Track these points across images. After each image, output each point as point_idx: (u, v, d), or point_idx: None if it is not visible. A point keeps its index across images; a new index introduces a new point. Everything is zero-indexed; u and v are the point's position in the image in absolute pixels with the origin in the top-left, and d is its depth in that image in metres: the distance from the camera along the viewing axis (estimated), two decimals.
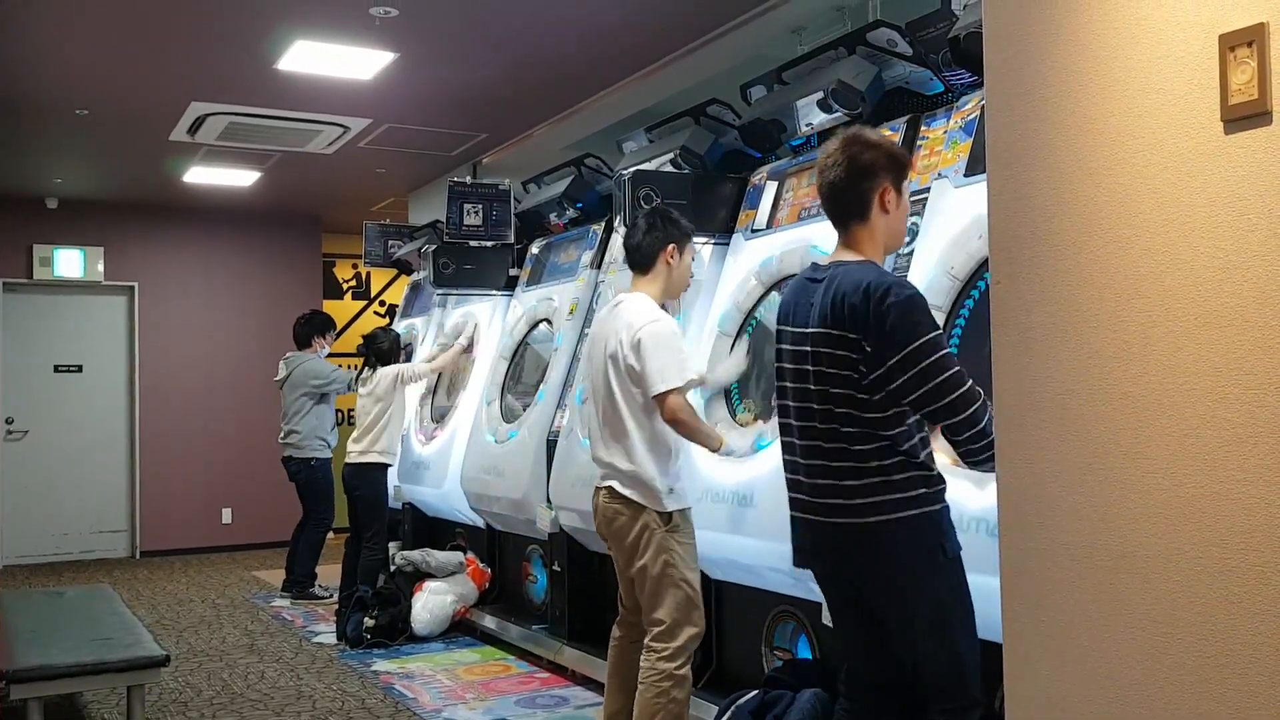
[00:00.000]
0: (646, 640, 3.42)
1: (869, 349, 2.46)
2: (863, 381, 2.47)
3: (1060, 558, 2.01)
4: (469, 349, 6.36)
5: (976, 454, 2.51)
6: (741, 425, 3.90)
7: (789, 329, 2.68)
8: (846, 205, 2.65)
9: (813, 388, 2.57)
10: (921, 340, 2.43)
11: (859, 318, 2.46)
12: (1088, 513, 1.96)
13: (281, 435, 7.00)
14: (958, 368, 2.46)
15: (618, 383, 3.46)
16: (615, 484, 3.45)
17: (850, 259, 2.63)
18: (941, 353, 2.45)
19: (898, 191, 2.66)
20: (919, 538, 2.50)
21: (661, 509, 3.40)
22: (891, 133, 3.69)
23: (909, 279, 3.23)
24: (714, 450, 3.58)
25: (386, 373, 6.03)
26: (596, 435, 3.57)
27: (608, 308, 3.66)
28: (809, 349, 2.57)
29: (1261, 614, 1.68)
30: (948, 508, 2.55)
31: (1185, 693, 1.79)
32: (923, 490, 2.49)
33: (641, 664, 3.41)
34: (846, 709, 2.75)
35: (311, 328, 7.17)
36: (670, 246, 3.58)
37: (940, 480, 2.54)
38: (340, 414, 7.85)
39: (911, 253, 3.34)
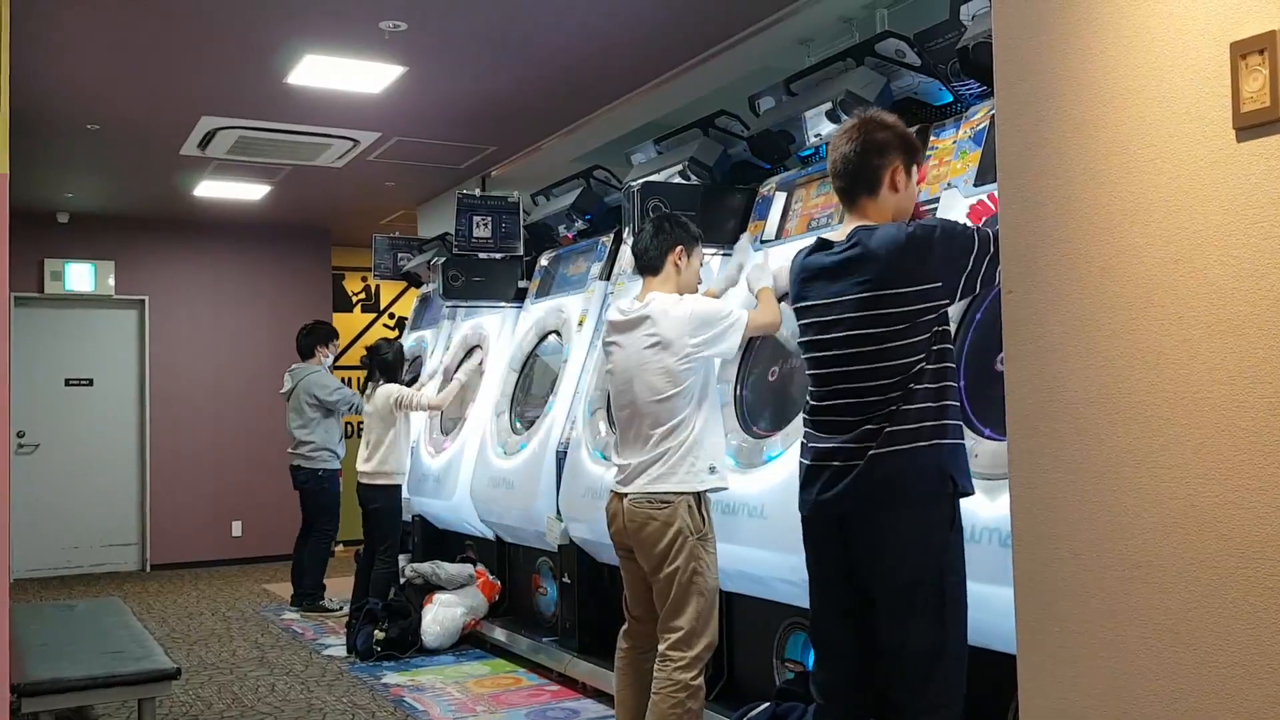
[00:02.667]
0: (662, 649, 3.41)
1: (940, 279, 2.57)
2: (918, 326, 2.56)
3: (1074, 567, 2.00)
4: (476, 369, 6.34)
5: None
6: (757, 439, 3.89)
7: (816, 300, 2.72)
8: (857, 179, 2.73)
9: (854, 350, 2.62)
10: (979, 241, 2.60)
11: (921, 257, 2.57)
12: (1102, 522, 1.95)
13: (291, 446, 7.02)
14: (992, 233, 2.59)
15: (668, 380, 3.43)
16: (647, 486, 3.43)
17: (869, 223, 2.70)
18: (986, 238, 2.60)
19: (908, 173, 2.75)
20: (928, 468, 2.55)
21: (698, 489, 3.40)
22: None
23: None
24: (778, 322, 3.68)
25: (386, 391, 5.99)
26: (627, 437, 3.54)
27: (625, 317, 3.61)
28: (860, 312, 2.61)
29: (1278, 623, 1.67)
30: (963, 446, 2.63)
31: (1201, 703, 1.78)
32: (941, 423, 2.57)
33: (656, 673, 3.40)
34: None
35: (314, 338, 7.19)
36: (679, 248, 3.61)
37: (958, 417, 2.63)
38: (350, 426, 7.86)
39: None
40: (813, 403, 2.74)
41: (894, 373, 2.57)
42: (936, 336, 2.60)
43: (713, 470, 3.45)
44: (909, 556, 2.56)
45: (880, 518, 2.59)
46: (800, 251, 2.86)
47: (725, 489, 3.51)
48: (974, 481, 2.87)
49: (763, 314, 3.62)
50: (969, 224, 2.71)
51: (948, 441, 2.58)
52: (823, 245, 2.76)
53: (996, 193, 2.26)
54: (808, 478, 2.72)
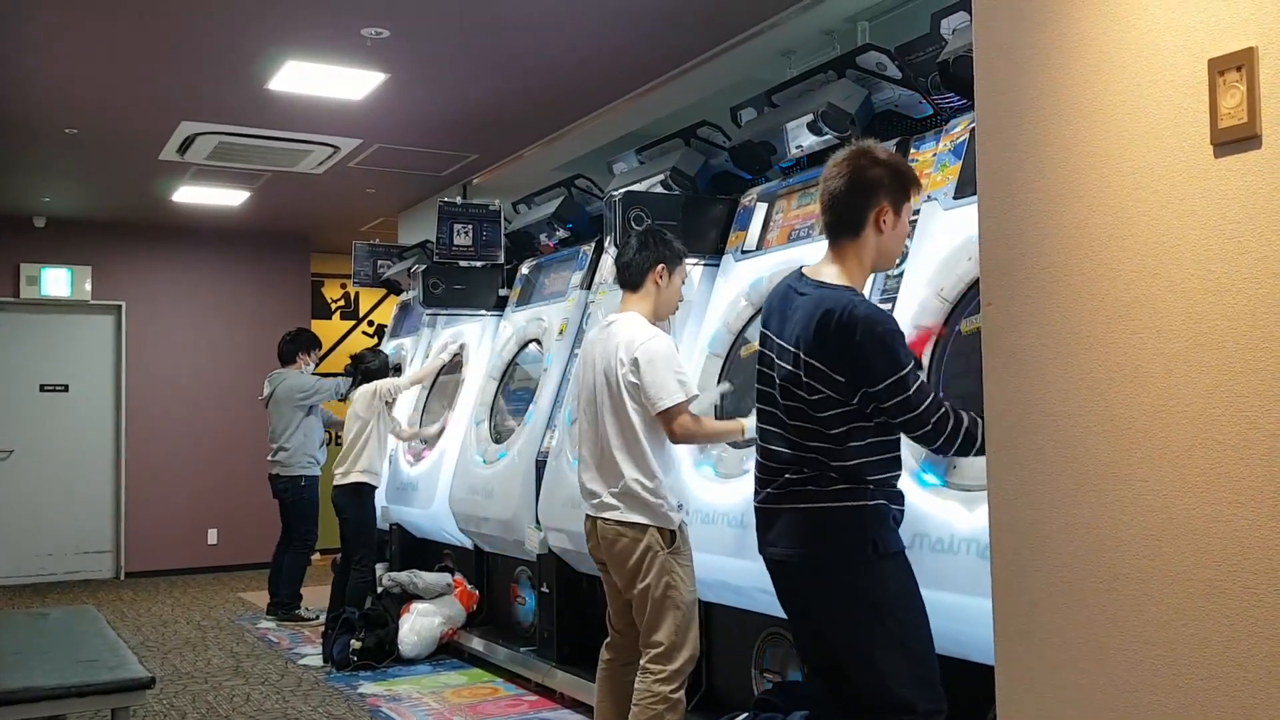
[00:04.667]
0: (643, 662, 3.40)
1: (844, 381, 2.54)
2: (836, 402, 2.55)
3: (1052, 579, 2.01)
4: (450, 364, 6.35)
5: (944, 450, 2.64)
6: (736, 448, 3.89)
7: (770, 334, 2.75)
8: (841, 218, 2.69)
9: (781, 398, 2.65)
10: (897, 375, 2.51)
11: (833, 353, 2.54)
12: (1080, 534, 1.96)
13: (270, 454, 6.98)
14: (931, 397, 2.55)
15: (614, 402, 3.45)
16: (614, 513, 3.43)
17: (832, 281, 2.67)
18: (917, 384, 2.54)
19: (896, 213, 2.68)
20: (849, 530, 2.57)
21: (668, 525, 3.40)
22: None
23: (898, 299, 3.28)
24: (742, 438, 3.51)
25: (365, 390, 5.98)
26: (588, 461, 3.55)
27: (599, 328, 3.65)
28: (785, 365, 2.63)
29: (1255, 635, 1.68)
30: (887, 506, 2.60)
31: (1178, 714, 1.79)
32: (863, 485, 2.57)
33: (637, 685, 3.39)
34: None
35: (297, 345, 7.17)
36: (660, 266, 3.59)
37: (890, 478, 2.63)
38: (330, 434, 7.82)
39: (901, 274, 3.35)
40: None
41: (813, 435, 2.60)
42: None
43: (680, 506, 3.46)
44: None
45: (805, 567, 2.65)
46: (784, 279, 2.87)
47: (684, 523, 3.51)
48: (953, 493, 2.90)
49: (697, 424, 3.47)
50: (908, 359, 2.57)
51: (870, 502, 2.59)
52: (798, 277, 2.76)
53: (976, 205, 2.27)
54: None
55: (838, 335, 2.52)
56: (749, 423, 3.42)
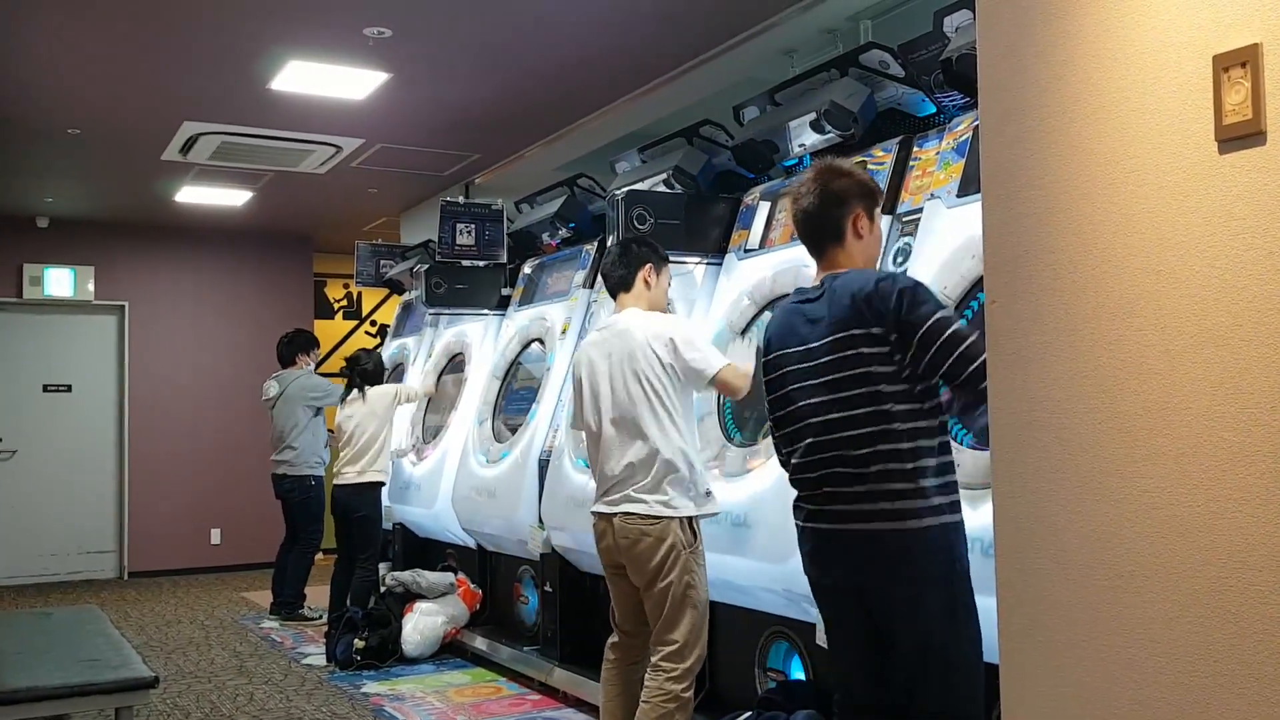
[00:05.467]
0: (655, 659, 3.41)
1: (894, 337, 2.53)
2: (893, 371, 2.54)
3: (1057, 577, 2.01)
4: (452, 364, 6.42)
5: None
6: (740, 447, 3.89)
7: (789, 351, 2.71)
8: (821, 230, 2.75)
9: (830, 397, 2.60)
10: (941, 313, 2.54)
11: (879, 311, 2.54)
12: (1085, 532, 1.96)
13: (275, 454, 6.97)
14: (976, 333, 2.52)
15: (648, 392, 3.46)
16: (638, 507, 3.42)
17: (840, 270, 2.70)
18: (956, 323, 2.56)
19: (870, 218, 2.76)
20: (936, 550, 2.53)
21: (695, 513, 3.42)
22: (884, 154, 3.71)
23: None
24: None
25: (385, 391, 6.03)
26: (606, 460, 3.54)
27: (604, 331, 3.65)
28: (825, 359, 2.61)
29: (1260, 633, 1.68)
30: (963, 522, 2.59)
31: (1183, 713, 1.79)
32: (941, 500, 2.54)
33: (647, 683, 3.39)
34: None
35: (296, 346, 7.16)
36: (647, 265, 3.69)
37: (956, 489, 2.60)
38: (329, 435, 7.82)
39: (905, 274, 3.35)
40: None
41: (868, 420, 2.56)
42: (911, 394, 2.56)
43: (708, 494, 3.48)
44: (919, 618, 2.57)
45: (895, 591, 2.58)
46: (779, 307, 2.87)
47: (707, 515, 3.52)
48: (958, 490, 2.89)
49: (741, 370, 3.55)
50: (949, 311, 2.62)
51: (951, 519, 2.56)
52: (800, 295, 2.78)
53: (979, 203, 2.27)
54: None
55: (880, 295, 2.55)
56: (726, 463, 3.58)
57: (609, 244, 4.62)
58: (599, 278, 5.23)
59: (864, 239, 2.75)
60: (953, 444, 2.92)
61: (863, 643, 2.65)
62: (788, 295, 2.88)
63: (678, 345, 3.47)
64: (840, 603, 2.70)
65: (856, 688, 2.70)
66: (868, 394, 2.54)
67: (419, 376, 6.67)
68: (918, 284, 2.61)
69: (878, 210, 2.80)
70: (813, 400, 2.64)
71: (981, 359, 2.46)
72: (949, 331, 2.52)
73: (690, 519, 3.42)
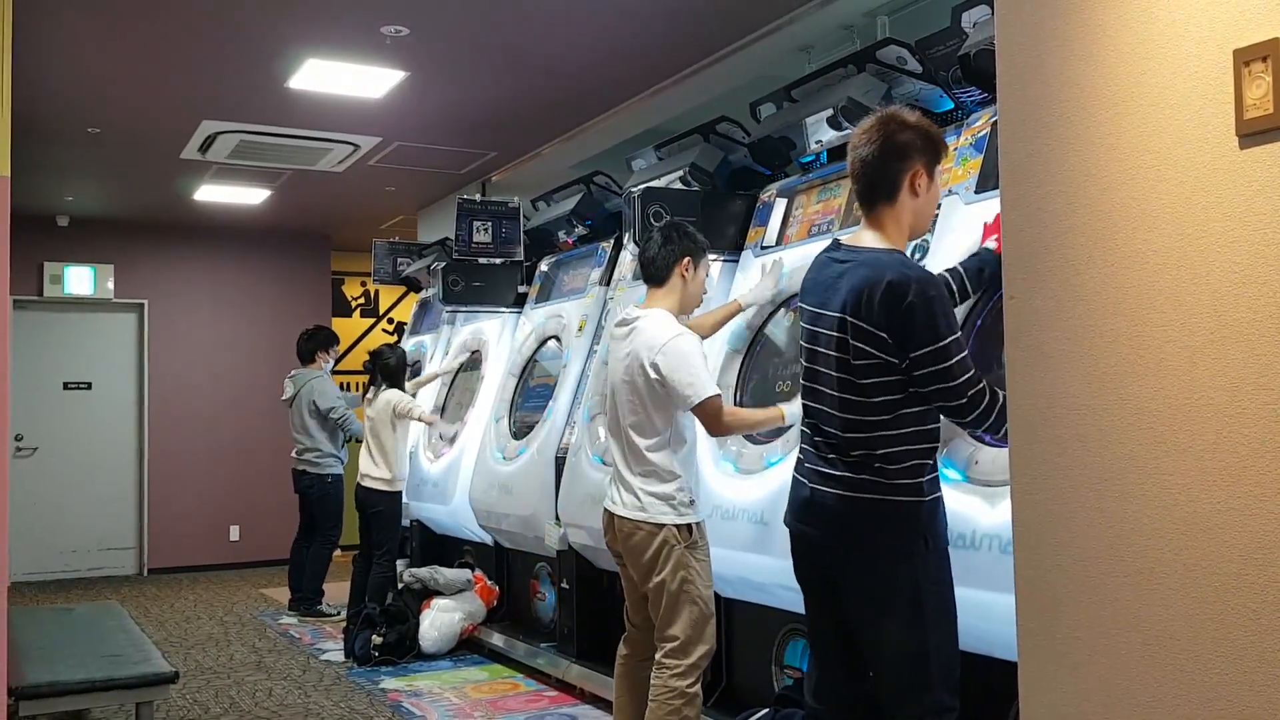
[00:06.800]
0: (658, 657, 3.40)
1: (891, 342, 2.50)
2: (881, 368, 2.52)
3: (1076, 574, 2.00)
4: (469, 362, 6.41)
5: (977, 425, 2.60)
6: (757, 444, 3.89)
7: (809, 307, 2.71)
8: (876, 185, 2.64)
9: (828, 372, 2.61)
10: (943, 342, 2.48)
11: (882, 314, 2.50)
12: (1103, 529, 1.95)
13: (296, 451, 7.01)
14: (973, 371, 2.51)
15: (636, 401, 3.45)
16: (631, 510, 3.43)
17: (874, 245, 2.64)
18: (960, 355, 2.49)
19: (930, 175, 2.65)
20: (904, 523, 2.53)
21: (683, 521, 3.39)
22: None
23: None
24: (783, 423, 3.49)
25: (386, 399, 6.00)
26: (612, 457, 3.58)
27: (623, 327, 3.63)
28: (832, 332, 2.59)
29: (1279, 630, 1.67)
30: (941, 499, 2.59)
31: (1202, 710, 1.78)
32: (917, 480, 2.54)
33: (653, 681, 3.39)
34: None
35: (315, 343, 7.19)
36: (685, 260, 3.57)
37: (935, 469, 2.59)
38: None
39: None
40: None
41: (861, 408, 2.56)
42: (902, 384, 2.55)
43: (693, 503, 3.45)
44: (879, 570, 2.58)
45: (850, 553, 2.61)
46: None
47: (703, 521, 3.50)
48: (975, 488, 2.89)
49: (734, 412, 3.53)
50: (954, 329, 2.53)
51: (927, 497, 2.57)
52: (835, 247, 2.73)
53: (999, 199, 2.27)
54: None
55: (890, 297, 2.48)
56: (789, 409, 3.41)
57: (625, 241, 4.63)
58: (615, 275, 5.25)
59: (920, 197, 2.64)
60: (968, 439, 2.92)
61: (831, 616, 2.69)
62: (800, 292, 2.84)
63: (671, 363, 3.36)
64: (809, 566, 2.73)
65: (826, 681, 2.74)
66: (866, 366, 2.53)
67: (428, 392, 6.64)
68: (933, 299, 2.50)
69: (939, 168, 2.68)
70: (812, 366, 2.67)
71: (969, 399, 2.49)
72: (943, 365, 2.48)
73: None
